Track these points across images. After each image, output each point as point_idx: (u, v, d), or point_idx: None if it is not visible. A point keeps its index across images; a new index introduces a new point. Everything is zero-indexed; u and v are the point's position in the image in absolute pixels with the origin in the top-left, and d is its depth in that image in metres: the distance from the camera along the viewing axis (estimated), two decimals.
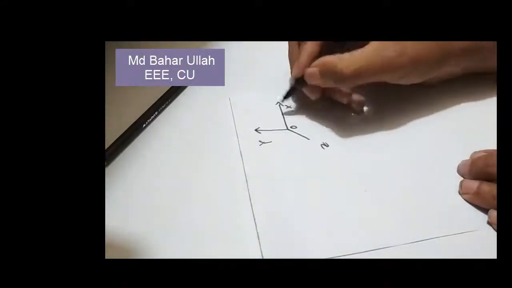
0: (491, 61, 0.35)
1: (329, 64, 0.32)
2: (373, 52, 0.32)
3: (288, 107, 0.38)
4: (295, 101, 0.39)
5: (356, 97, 0.36)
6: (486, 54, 0.35)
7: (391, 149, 0.34)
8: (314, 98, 0.36)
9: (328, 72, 0.32)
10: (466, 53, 0.35)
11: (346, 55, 0.32)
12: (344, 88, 0.36)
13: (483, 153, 0.31)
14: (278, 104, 0.38)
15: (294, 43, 0.37)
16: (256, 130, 0.36)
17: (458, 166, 0.32)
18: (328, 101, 0.37)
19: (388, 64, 0.32)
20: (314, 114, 0.37)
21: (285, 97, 0.37)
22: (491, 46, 0.35)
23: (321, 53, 0.34)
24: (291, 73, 0.36)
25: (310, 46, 0.34)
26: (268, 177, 0.32)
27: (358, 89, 0.36)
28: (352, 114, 0.37)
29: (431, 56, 0.33)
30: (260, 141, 0.35)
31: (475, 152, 0.32)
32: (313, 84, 0.34)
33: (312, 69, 0.33)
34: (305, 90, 0.36)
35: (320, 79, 0.33)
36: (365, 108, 0.37)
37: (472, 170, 0.30)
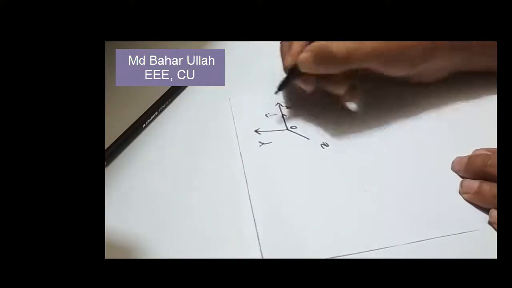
0: (479, 61, 0.36)
1: (322, 46, 0.33)
2: None
3: (288, 107, 0.38)
4: (294, 102, 0.39)
5: (349, 85, 0.36)
6: (473, 52, 0.36)
7: (391, 149, 0.34)
8: (309, 91, 0.36)
9: (321, 54, 0.33)
10: (453, 47, 0.35)
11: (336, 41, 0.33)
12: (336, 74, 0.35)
13: (483, 152, 0.31)
14: (278, 105, 0.38)
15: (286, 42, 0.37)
16: (256, 131, 0.36)
17: (453, 162, 0.32)
18: (324, 96, 0.37)
19: (377, 47, 0.33)
20: (314, 114, 0.37)
21: (279, 88, 0.37)
22: (478, 47, 0.35)
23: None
24: (284, 68, 0.36)
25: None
26: (268, 177, 0.32)
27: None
28: (347, 103, 0.37)
29: (418, 45, 0.34)
30: (260, 142, 0.35)
31: (476, 150, 0.32)
32: (306, 75, 0.34)
33: (305, 54, 0.33)
34: (299, 83, 0.36)
35: (313, 63, 0.33)
36: (364, 109, 0.37)
37: (469, 168, 0.31)
